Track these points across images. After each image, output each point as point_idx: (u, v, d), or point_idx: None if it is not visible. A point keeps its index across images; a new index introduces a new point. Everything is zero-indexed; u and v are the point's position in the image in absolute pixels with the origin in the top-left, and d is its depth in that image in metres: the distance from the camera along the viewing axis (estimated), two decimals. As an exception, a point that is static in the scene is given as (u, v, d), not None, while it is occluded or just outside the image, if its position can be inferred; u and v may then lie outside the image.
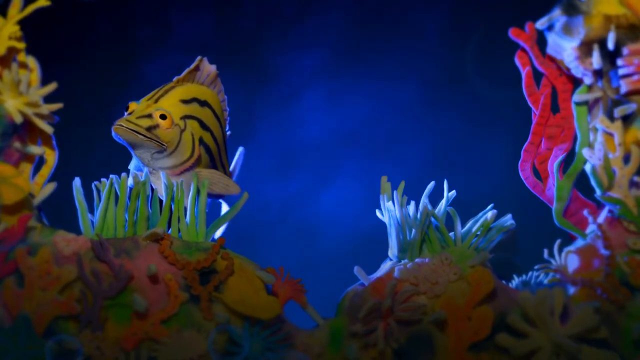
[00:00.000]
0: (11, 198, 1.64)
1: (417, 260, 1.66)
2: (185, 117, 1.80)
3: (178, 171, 1.77)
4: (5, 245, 1.61)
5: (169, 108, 1.78)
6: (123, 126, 1.72)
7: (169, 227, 1.72)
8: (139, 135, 1.72)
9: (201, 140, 1.83)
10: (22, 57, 1.75)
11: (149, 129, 1.73)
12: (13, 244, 1.62)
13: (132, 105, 1.77)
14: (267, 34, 3.86)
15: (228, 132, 2.00)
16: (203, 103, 1.86)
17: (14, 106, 1.67)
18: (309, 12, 3.84)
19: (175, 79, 1.86)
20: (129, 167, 1.88)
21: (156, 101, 1.78)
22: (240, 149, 2.10)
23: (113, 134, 1.73)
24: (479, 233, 1.69)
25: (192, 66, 1.87)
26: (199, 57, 1.89)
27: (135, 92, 1.88)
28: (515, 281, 2.13)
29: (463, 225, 1.72)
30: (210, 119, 1.87)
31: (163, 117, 1.75)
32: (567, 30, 1.72)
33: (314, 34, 3.86)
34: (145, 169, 1.77)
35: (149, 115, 1.75)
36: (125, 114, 1.76)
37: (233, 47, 3.79)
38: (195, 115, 1.83)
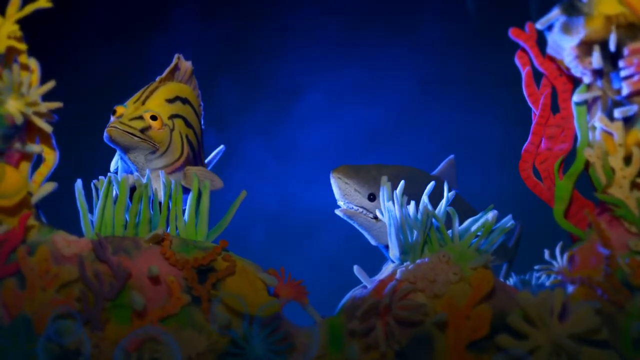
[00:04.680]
0: (12, 199, 1.64)
1: (417, 261, 1.66)
2: (172, 117, 1.81)
3: (169, 170, 1.79)
4: (6, 246, 1.61)
5: (157, 108, 1.79)
6: (118, 128, 1.72)
7: (167, 225, 1.72)
8: (134, 137, 1.73)
9: (187, 138, 1.84)
10: (23, 58, 1.74)
11: (142, 130, 1.74)
12: (14, 245, 1.62)
13: (120, 109, 1.77)
14: (267, 35, 3.87)
15: (202, 127, 2.02)
16: (185, 101, 1.87)
17: (15, 108, 1.67)
18: (308, 13, 3.84)
19: (157, 78, 1.86)
20: (112, 170, 1.88)
21: (143, 103, 1.79)
22: (221, 147, 2.10)
23: (105, 136, 1.73)
24: (479, 233, 1.69)
25: (172, 65, 1.88)
26: (176, 55, 1.89)
27: (135, 92, 1.88)
28: (514, 279, 2.13)
29: (462, 221, 1.72)
30: (192, 116, 1.89)
31: (154, 118, 1.76)
32: (567, 29, 1.72)
33: (313, 35, 3.86)
34: (148, 171, 1.77)
35: (140, 117, 1.75)
36: (112, 118, 1.77)
37: (232, 48, 3.79)
38: (180, 113, 1.84)
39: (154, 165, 1.78)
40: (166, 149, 1.78)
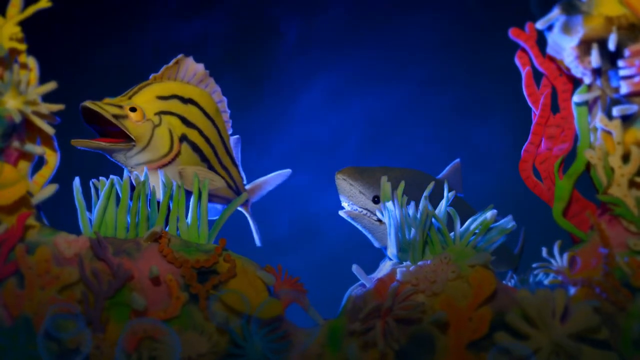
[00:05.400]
0: (10, 197, 1.64)
1: (419, 263, 1.66)
2: (160, 113, 1.80)
3: (155, 166, 1.78)
4: (5, 246, 1.61)
5: (143, 104, 1.78)
6: (88, 106, 1.71)
7: (166, 225, 1.72)
8: (105, 113, 1.71)
9: (185, 137, 1.83)
10: (23, 58, 1.75)
11: (116, 116, 1.73)
12: (13, 245, 1.62)
13: (107, 100, 1.77)
14: (267, 33, 3.86)
15: (236, 136, 2.00)
16: (186, 100, 1.86)
17: (13, 106, 1.68)
18: (308, 11, 3.84)
19: (152, 76, 1.86)
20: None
21: (130, 97, 1.79)
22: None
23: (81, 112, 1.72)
24: (477, 231, 1.69)
25: (171, 63, 1.87)
26: (180, 55, 1.89)
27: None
28: (513, 279, 2.13)
29: (463, 224, 1.72)
30: (197, 117, 1.87)
31: (132, 109, 1.75)
32: (567, 29, 1.72)
33: (314, 33, 3.86)
34: (145, 169, 1.77)
35: (119, 106, 1.75)
36: None
37: (233, 48, 3.78)
38: (174, 111, 1.83)
39: (137, 160, 1.77)
40: (147, 144, 1.77)
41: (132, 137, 1.75)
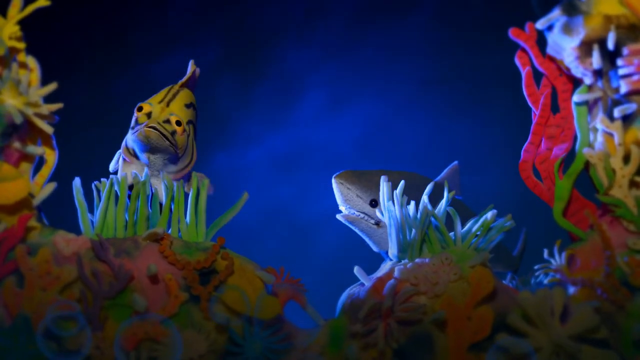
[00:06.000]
0: (11, 198, 1.64)
1: (417, 260, 1.66)
2: (189, 123, 1.81)
3: (179, 176, 1.79)
4: (5, 245, 1.61)
5: (178, 112, 1.78)
6: (157, 130, 1.72)
7: (169, 227, 1.72)
8: (166, 140, 1.73)
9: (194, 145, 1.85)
10: (22, 57, 1.75)
11: (172, 134, 1.74)
12: (13, 244, 1.62)
13: (147, 107, 1.77)
14: (268, 35, 3.87)
15: None
16: (195, 108, 1.87)
17: (13, 106, 1.67)
18: (310, 14, 3.84)
19: (179, 82, 1.85)
20: (112, 170, 1.88)
21: (168, 104, 1.79)
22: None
23: (143, 136, 1.72)
24: (478, 233, 1.69)
25: (191, 70, 1.87)
26: (192, 61, 1.89)
27: (135, 92, 1.88)
28: (515, 280, 2.13)
29: (463, 226, 1.72)
30: (196, 124, 1.88)
31: (178, 123, 1.76)
32: (567, 30, 1.72)
33: (315, 36, 3.86)
34: (145, 169, 1.77)
35: (168, 121, 1.75)
36: (137, 114, 1.76)
37: (234, 49, 3.78)
38: (193, 120, 1.85)
39: (169, 168, 1.78)
40: (182, 155, 1.79)
41: (179, 149, 1.76)
